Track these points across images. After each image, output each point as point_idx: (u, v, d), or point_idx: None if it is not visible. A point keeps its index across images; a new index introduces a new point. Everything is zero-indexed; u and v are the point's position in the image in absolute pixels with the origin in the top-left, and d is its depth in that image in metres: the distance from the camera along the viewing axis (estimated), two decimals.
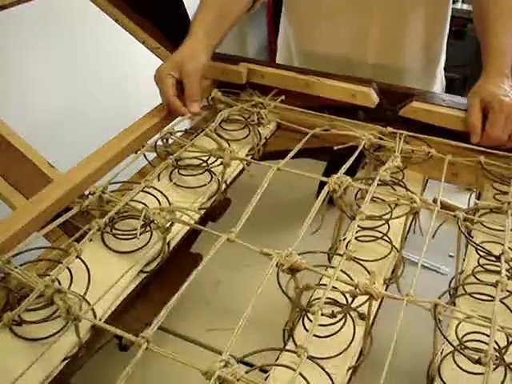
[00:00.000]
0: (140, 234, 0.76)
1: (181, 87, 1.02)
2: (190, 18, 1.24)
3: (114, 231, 0.79)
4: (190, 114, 1.02)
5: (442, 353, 0.69)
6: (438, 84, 1.49)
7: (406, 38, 1.35)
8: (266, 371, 0.66)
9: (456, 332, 0.69)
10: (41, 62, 1.94)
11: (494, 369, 0.62)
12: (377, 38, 1.34)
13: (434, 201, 0.82)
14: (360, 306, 0.69)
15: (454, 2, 3.03)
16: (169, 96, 1.00)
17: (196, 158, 0.94)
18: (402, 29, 1.33)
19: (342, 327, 0.71)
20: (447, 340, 0.66)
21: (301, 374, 0.60)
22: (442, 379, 0.66)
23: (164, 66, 1.04)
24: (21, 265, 0.67)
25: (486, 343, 0.66)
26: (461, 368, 0.66)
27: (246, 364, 0.64)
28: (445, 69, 1.53)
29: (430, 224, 0.78)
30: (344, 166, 0.85)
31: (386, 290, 0.79)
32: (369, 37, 1.34)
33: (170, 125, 0.98)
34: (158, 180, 0.90)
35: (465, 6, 3.02)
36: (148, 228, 0.78)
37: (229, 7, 1.16)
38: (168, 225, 0.76)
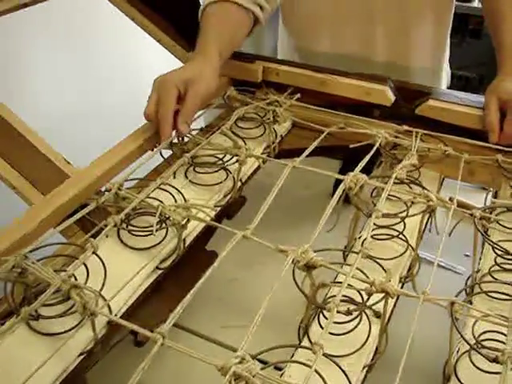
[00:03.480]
0: (156, 231, 0.76)
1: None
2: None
3: (129, 227, 0.79)
4: (167, 138, 0.93)
5: (458, 352, 0.69)
6: (444, 79, 1.49)
7: (412, 37, 1.34)
8: (280, 369, 0.66)
9: (473, 331, 0.69)
10: (54, 61, 1.95)
11: None
12: (383, 39, 1.33)
13: (451, 199, 0.82)
14: (376, 303, 0.69)
15: (469, 1, 3.01)
16: (169, 109, 0.93)
17: (212, 155, 0.94)
18: (408, 28, 1.33)
19: (357, 325, 0.71)
20: (464, 339, 0.66)
21: (316, 371, 0.59)
22: (458, 378, 0.66)
23: (172, 76, 0.97)
24: (38, 260, 0.67)
25: (503, 342, 0.66)
26: (477, 367, 0.66)
27: (260, 361, 0.64)
28: (461, 68, 1.52)
29: (445, 223, 0.77)
30: (360, 164, 0.85)
31: (401, 288, 0.79)
32: (374, 37, 1.33)
33: None
34: (174, 177, 0.91)
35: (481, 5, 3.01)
36: (164, 225, 0.79)
37: (235, 35, 1.12)
38: (184, 222, 0.77)
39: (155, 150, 0.92)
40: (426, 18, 1.32)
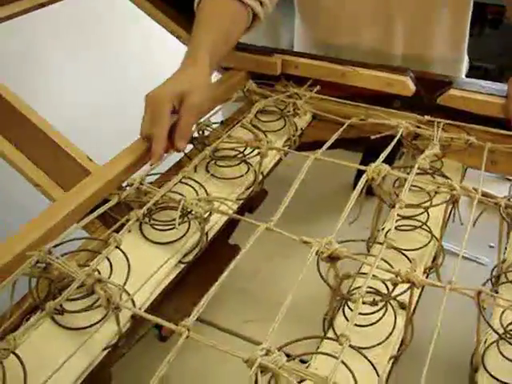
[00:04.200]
0: (179, 225, 0.76)
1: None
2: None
3: (152, 222, 0.79)
4: (158, 159, 0.86)
5: (485, 342, 0.68)
6: (464, 69, 1.47)
7: (433, 27, 1.32)
8: (305, 362, 0.66)
9: (501, 320, 0.68)
10: (77, 60, 1.97)
11: None
12: (402, 30, 1.32)
13: (474, 189, 0.81)
14: (401, 294, 0.68)
15: None
16: (164, 128, 0.86)
17: (232, 149, 0.94)
18: (427, 19, 1.31)
19: (382, 316, 0.70)
20: (492, 328, 0.65)
21: (343, 363, 0.59)
22: (486, 369, 0.65)
23: (163, 90, 0.90)
24: (61, 255, 0.67)
25: None
26: (506, 357, 0.65)
27: (285, 355, 0.63)
28: (480, 58, 1.50)
29: (469, 215, 0.76)
30: (382, 155, 0.84)
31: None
32: (394, 29, 1.32)
33: (207, 116, 0.98)
34: (195, 171, 0.90)
35: None
36: (186, 218, 0.78)
37: (232, 31, 1.06)
38: (206, 215, 0.76)
39: None
40: (446, 7, 1.30)
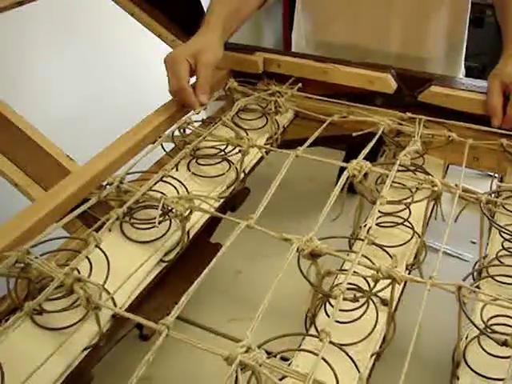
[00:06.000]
0: (159, 223, 0.75)
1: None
2: (205, 10, 1.24)
3: (132, 221, 0.79)
4: (198, 106, 1.00)
5: (466, 337, 0.68)
6: (461, 72, 1.47)
7: (430, 26, 1.32)
8: (287, 360, 0.66)
9: (481, 315, 0.68)
10: (56, 59, 1.95)
11: None
12: (399, 28, 1.32)
13: (456, 185, 0.81)
14: (382, 289, 0.68)
15: None
16: (184, 81, 0.98)
17: (214, 147, 0.94)
18: (426, 17, 1.31)
19: (364, 313, 0.70)
20: (473, 323, 0.65)
21: (323, 359, 0.59)
22: (467, 364, 0.65)
23: (180, 51, 1.03)
24: (41, 255, 0.67)
25: (511, 326, 0.65)
26: (486, 352, 0.65)
27: (267, 353, 0.63)
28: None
29: (451, 211, 0.76)
30: (363, 151, 0.84)
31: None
32: (391, 27, 1.32)
33: (188, 115, 0.98)
34: (176, 170, 0.90)
35: None
36: (167, 217, 0.78)
37: (244, 2, 1.17)
38: (187, 213, 0.76)
39: (156, 142, 0.92)
40: (444, 9, 1.30)
